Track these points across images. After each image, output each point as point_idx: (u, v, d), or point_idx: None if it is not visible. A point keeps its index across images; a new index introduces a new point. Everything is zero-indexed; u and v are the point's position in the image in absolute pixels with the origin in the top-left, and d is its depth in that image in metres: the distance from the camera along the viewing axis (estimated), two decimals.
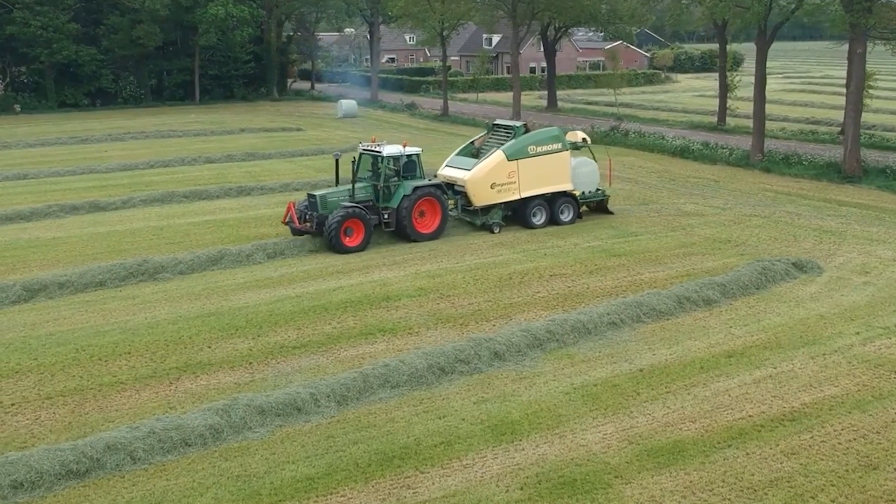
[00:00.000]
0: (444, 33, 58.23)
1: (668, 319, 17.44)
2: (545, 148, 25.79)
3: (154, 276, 20.92)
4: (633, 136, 43.58)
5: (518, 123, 27.05)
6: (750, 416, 13.03)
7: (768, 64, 47.02)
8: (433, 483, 11.26)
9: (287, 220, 24.17)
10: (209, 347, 16.19)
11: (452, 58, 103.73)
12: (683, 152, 39.99)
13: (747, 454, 11.88)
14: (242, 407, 12.86)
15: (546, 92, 66.49)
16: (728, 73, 48.93)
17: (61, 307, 18.88)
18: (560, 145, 26.12)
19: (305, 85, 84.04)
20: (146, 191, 31.91)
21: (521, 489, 11.04)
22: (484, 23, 57.96)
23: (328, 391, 13.57)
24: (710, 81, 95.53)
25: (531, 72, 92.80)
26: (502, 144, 26.08)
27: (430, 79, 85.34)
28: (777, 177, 34.96)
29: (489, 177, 25.18)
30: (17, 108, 63.63)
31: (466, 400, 13.75)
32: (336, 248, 22.85)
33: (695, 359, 15.35)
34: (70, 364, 15.39)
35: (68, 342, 16.47)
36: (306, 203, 24.06)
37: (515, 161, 25.33)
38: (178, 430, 12.22)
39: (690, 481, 11.19)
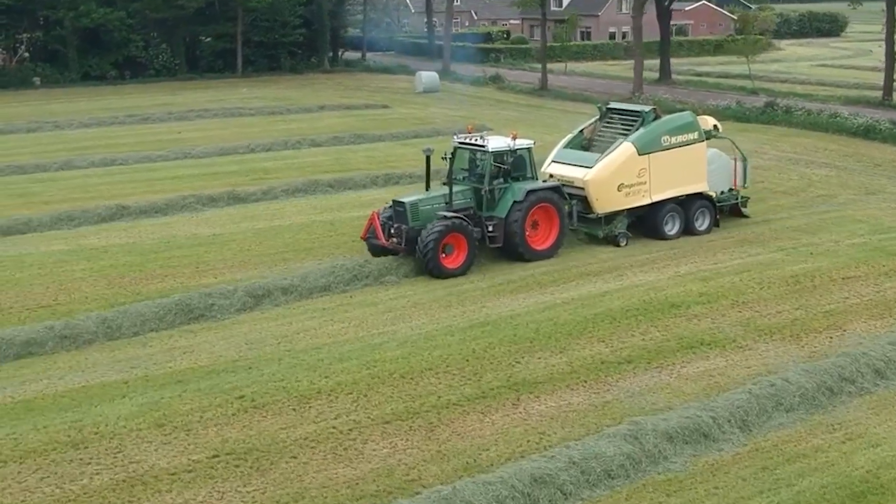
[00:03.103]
0: None
1: None
2: (679, 138, 24.14)
3: (379, 279, 21.09)
4: (798, 113, 43.57)
5: (646, 108, 25.48)
6: None
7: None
8: None
9: (369, 234, 22.33)
10: (518, 363, 16.33)
11: (513, 21, 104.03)
12: (868, 132, 39.97)
13: None
14: (650, 433, 12.99)
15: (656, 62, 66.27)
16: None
17: (299, 315, 19.07)
18: (696, 135, 24.53)
19: (349, 55, 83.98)
20: (270, 179, 32.07)
21: None
22: None
23: (726, 414, 13.74)
24: (818, 49, 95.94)
25: (611, 37, 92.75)
26: (623, 134, 24.39)
27: (499, 45, 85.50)
28: None
29: (616, 176, 23.43)
30: (37, 80, 63.78)
31: (886, 425, 13.89)
32: (433, 270, 20.96)
33: None
34: (374, 383, 15.51)
35: (347, 357, 16.60)
36: (389, 213, 22.22)
37: (647, 156, 23.65)
38: (597, 459, 12.37)
39: None
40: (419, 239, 21.04)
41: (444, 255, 21.14)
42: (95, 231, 25.88)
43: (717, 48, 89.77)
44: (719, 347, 17.01)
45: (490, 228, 21.90)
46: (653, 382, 15.55)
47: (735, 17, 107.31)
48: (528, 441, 13.54)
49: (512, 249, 22.20)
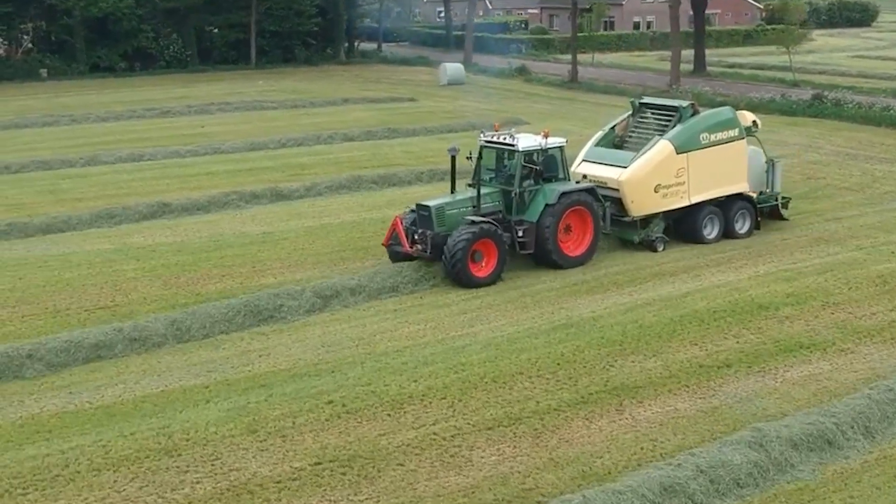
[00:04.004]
0: None
1: None
2: (719, 136, 23.63)
3: (447, 279, 21.02)
4: (849, 107, 43.52)
5: (683, 103, 24.90)
6: None
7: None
8: None
9: (392, 240, 21.70)
10: (611, 367, 16.33)
11: (531, 10, 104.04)
12: None
13: None
14: (774, 440, 12.99)
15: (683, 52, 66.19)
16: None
17: (372, 317, 19.09)
18: (736, 131, 24.00)
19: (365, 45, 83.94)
20: (310, 175, 32.10)
21: None
22: None
23: (849, 420, 13.74)
24: (851, 39, 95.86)
25: (635, 27, 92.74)
26: (659, 131, 23.88)
27: (522, 36, 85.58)
28: None
29: (653, 176, 22.80)
30: (44, 73, 63.77)
31: None
32: (462, 279, 20.35)
33: None
34: (466, 387, 15.51)
35: (431, 360, 16.60)
36: (413, 217, 21.54)
37: (685, 154, 23.07)
38: (725, 468, 12.37)
39: None
40: (446, 245, 20.42)
41: (473, 263, 20.50)
42: (138, 229, 25.89)
43: (747, 38, 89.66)
44: (819, 350, 17.01)
45: (520, 234, 21.22)
46: (758, 387, 15.54)
47: (761, 6, 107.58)
48: (642, 448, 13.54)
49: (544, 256, 21.56)
